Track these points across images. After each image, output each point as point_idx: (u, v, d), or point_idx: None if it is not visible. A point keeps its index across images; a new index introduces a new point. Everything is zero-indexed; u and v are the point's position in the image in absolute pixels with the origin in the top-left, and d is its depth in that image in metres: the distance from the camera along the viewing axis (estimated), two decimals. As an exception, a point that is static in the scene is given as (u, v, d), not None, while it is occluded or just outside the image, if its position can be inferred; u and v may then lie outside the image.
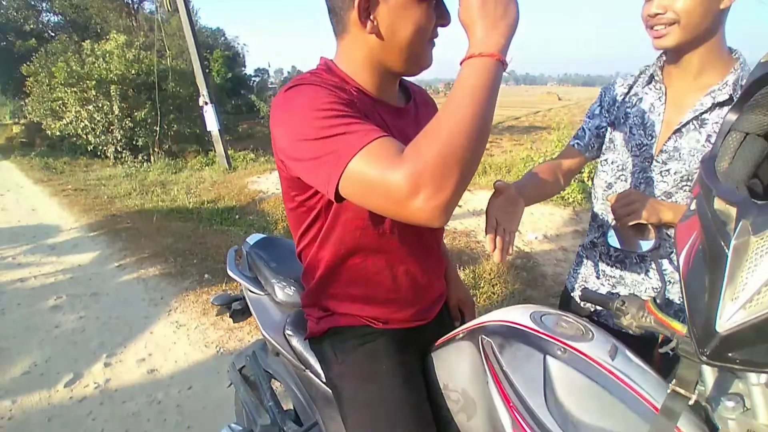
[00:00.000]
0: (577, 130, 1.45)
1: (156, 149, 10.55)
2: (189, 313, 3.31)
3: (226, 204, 6.38)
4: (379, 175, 0.69)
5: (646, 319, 0.86)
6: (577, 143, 1.42)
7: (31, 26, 18.74)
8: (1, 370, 2.69)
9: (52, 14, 20.58)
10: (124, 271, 4.12)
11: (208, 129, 9.26)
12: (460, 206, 5.89)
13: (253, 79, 27.06)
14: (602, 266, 1.43)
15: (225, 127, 9.73)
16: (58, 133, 10.57)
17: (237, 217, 5.75)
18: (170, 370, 2.66)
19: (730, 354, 0.45)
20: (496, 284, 3.55)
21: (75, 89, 9.84)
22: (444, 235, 4.74)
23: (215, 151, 9.47)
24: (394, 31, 0.86)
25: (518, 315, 0.98)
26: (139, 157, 10.35)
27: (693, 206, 0.65)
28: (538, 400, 0.82)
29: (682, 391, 0.66)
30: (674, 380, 0.73)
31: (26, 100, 12.20)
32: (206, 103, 8.87)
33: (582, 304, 1.30)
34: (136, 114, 10.30)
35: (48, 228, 5.53)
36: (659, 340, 0.87)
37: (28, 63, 11.12)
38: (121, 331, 3.10)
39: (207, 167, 9.43)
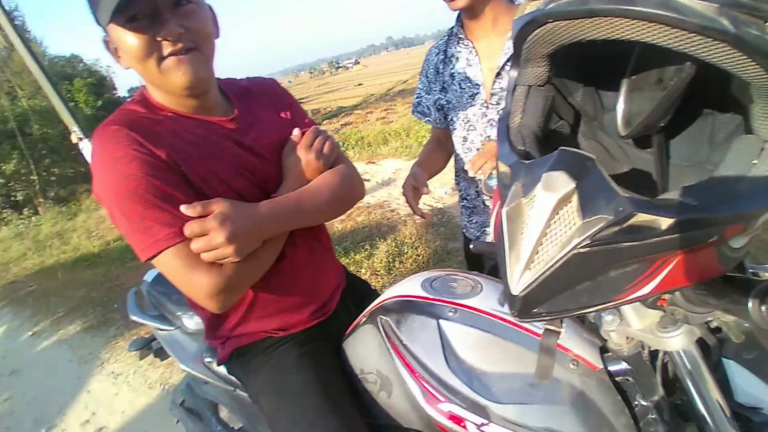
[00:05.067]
0: (419, 105, 1.57)
1: (41, 200, 9.65)
2: (123, 360, 3.14)
3: (135, 236, 6.01)
4: (181, 284, 0.87)
5: None
6: (428, 120, 1.56)
7: None
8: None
9: None
10: (40, 338, 3.81)
11: (90, 164, 8.57)
12: (368, 180, 5.94)
13: (128, 100, 25.12)
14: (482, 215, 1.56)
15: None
16: None
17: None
18: (119, 424, 2.53)
19: (534, 310, 0.49)
20: (419, 246, 3.65)
21: None
22: (356, 211, 4.80)
23: (107, 183, 8.81)
24: (129, 63, 0.88)
25: (410, 286, 1.02)
26: (25, 213, 9.40)
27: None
28: (440, 365, 0.86)
29: (552, 327, 0.72)
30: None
31: None
32: (81, 139, 8.13)
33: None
34: (4, 168, 9.33)
35: (-61, 319, 4.97)
36: None
37: None
38: (55, 401, 2.89)
39: (104, 203, 8.76)
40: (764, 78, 0.39)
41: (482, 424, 0.80)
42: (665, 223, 0.41)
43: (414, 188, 1.36)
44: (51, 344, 3.68)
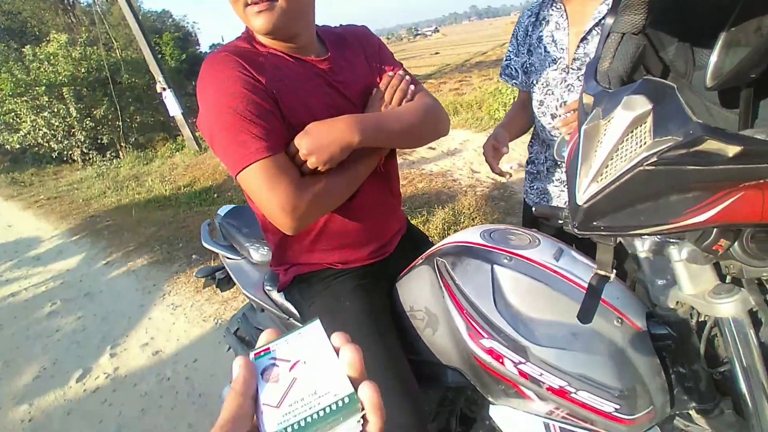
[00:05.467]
0: (507, 68, 1.57)
1: (122, 144, 10.33)
2: (182, 294, 3.38)
3: (203, 185, 6.35)
4: (263, 199, 0.92)
5: None
6: (515, 82, 1.56)
7: (-35, 41, 17.84)
8: (12, 380, 2.75)
9: (-16, 25, 19.55)
10: (112, 267, 4.15)
11: (171, 115, 9.07)
12: (433, 148, 5.93)
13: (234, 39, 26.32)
14: (554, 176, 1.54)
15: (188, 110, 9.50)
16: (18, 146, 10.22)
17: (215, 195, 5.75)
18: (174, 349, 2.75)
19: (594, 223, 0.51)
20: (476, 217, 3.65)
21: (25, 98, 9.45)
22: (418, 177, 4.82)
23: (183, 135, 9.31)
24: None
25: (469, 235, 1.06)
26: (107, 155, 10.13)
27: None
28: (488, 305, 0.90)
29: (602, 272, 0.74)
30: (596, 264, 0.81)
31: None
32: (164, 89, 8.65)
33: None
34: (95, 112, 9.99)
35: (28, 241, 5.48)
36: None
37: (-30, 80, 10.61)
38: (120, 323, 3.17)
39: (177, 153, 9.28)
40: None
41: (519, 362, 0.84)
42: (732, 150, 0.42)
43: (494, 147, 1.40)
44: (120, 273, 4.00)
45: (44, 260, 4.71)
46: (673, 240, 0.78)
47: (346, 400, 0.36)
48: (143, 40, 8.51)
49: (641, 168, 0.45)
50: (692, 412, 0.90)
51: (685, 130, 0.43)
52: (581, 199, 0.50)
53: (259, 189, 0.91)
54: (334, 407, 0.35)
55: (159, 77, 8.58)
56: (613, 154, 0.47)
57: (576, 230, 0.52)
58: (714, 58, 0.54)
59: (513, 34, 1.53)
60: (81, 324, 3.28)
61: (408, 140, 1.12)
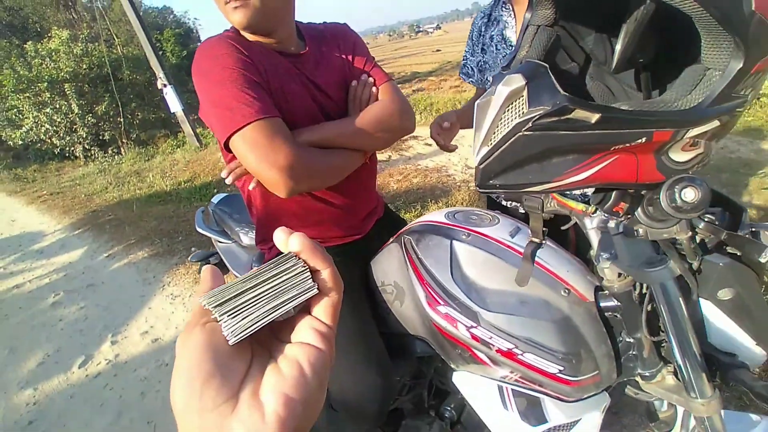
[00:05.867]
0: (465, 67, 1.66)
1: (124, 140, 10.43)
2: (181, 284, 3.48)
3: (203, 180, 6.45)
4: (259, 158, 0.95)
5: (551, 204, 0.97)
6: (471, 80, 1.65)
7: (-33, 38, 17.95)
8: (18, 366, 2.85)
9: (-15, 22, 19.65)
10: (114, 260, 4.25)
11: (171, 111, 9.15)
12: (429, 145, 6.00)
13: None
14: None
15: (189, 106, 9.58)
16: (20, 142, 10.30)
17: (215, 191, 5.83)
18: (172, 336, 2.85)
19: (490, 182, 0.60)
20: (468, 209, 3.72)
21: (27, 94, 9.55)
22: (413, 173, 4.90)
23: (183, 131, 9.40)
24: None
25: (436, 215, 1.14)
26: (109, 152, 10.23)
27: None
28: (446, 275, 0.99)
29: (536, 240, 0.82)
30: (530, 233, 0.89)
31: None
32: (165, 86, 8.72)
33: (507, 203, 1.51)
34: (96, 109, 10.07)
35: (32, 235, 5.59)
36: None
37: (-28, 76, 10.68)
38: (121, 312, 3.27)
39: (178, 149, 9.37)
40: (699, 10, 0.47)
41: (471, 326, 0.92)
42: (594, 117, 0.50)
43: (439, 125, 1.46)
44: (122, 266, 4.10)
45: (47, 253, 4.81)
46: (613, 217, 0.86)
47: (291, 268, 0.35)
48: (144, 36, 8.58)
49: (520, 133, 0.54)
50: (638, 379, 0.98)
51: (553, 101, 0.51)
52: (477, 160, 0.59)
53: (255, 149, 0.95)
54: (285, 285, 0.35)
55: (160, 74, 8.66)
56: (498, 122, 0.56)
57: (478, 189, 0.61)
58: (618, 46, 0.62)
59: (469, 35, 1.63)
60: (83, 313, 3.38)
61: (370, 141, 1.16)
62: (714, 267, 0.80)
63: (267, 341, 0.37)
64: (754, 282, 0.81)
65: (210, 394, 0.31)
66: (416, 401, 1.29)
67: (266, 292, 0.34)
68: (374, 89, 1.19)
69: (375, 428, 1.24)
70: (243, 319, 0.33)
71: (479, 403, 1.00)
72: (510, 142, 0.55)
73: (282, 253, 0.37)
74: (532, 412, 0.93)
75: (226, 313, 0.33)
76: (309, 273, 0.36)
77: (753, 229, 0.77)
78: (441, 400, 1.26)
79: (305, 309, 0.37)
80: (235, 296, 0.33)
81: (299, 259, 0.36)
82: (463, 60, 1.67)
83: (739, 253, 0.79)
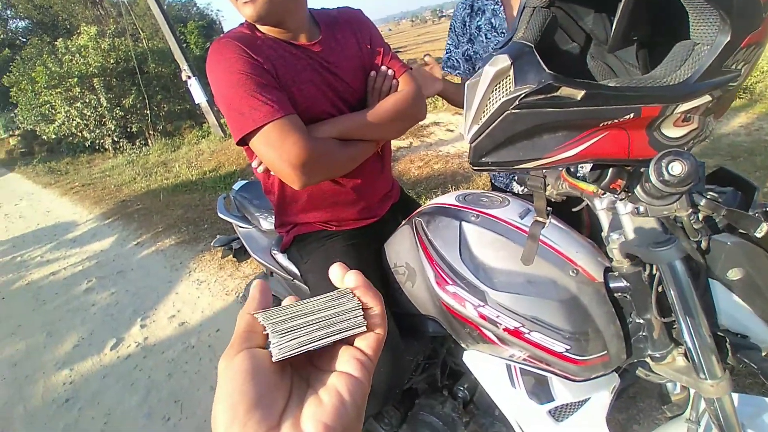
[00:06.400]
0: (449, 60, 1.64)
1: (151, 132, 10.68)
2: (207, 270, 3.57)
3: (227, 170, 6.57)
4: (273, 157, 1.02)
5: (562, 186, 0.96)
6: (458, 73, 1.63)
7: (1, 36, 18.54)
8: (56, 348, 3.00)
9: (18, 20, 20.24)
10: (142, 248, 4.39)
11: (196, 102, 9.31)
12: (451, 131, 5.98)
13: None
14: None
15: (213, 97, 9.71)
16: (54, 136, 10.68)
17: (239, 179, 5.92)
18: (198, 320, 2.94)
19: (484, 159, 0.61)
20: (488, 195, 3.71)
21: (59, 90, 9.85)
22: (434, 159, 4.88)
23: (208, 122, 9.56)
24: None
25: (447, 198, 1.16)
26: (137, 143, 10.51)
27: None
28: (454, 255, 1.00)
29: (541, 219, 0.83)
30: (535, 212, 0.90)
31: (15, 111, 12.22)
32: (189, 77, 8.86)
33: (521, 189, 1.51)
34: (124, 102, 10.33)
35: (66, 225, 5.81)
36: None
37: (7, 74, 11.03)
38: (150, 297, 3.39)
39: (203, 139, 9.54)
40: None
41: (479, 305, 0.94)
42: (579, 94, 0.51)
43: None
44: (150, 253, 4.24)
45: (80, 242, 5.00)
46: (622, 197, 0.86)
47: (345, 302, 0.38)
48: (168, 29, 8.72)
49: (508, 111, 0.55)
50: (649, 360, 0.98)
51: (538, 78, 0.52)
52: (468, 138, 0.60)
53: (270, 147, 1.01)
54: (337, 317, 0.37)
55: (184, 66, 8.80)
56: (486, 101, 0.57)
57: (472, 166, 0.62)
58: (615, 24, 0.62)
59: (450, 27, 1.61)
60: (114, 299, 3.52)
61: (385, 131, 1.21)
62: (722, 246, 0.79)
63: (306, 371, 0.38)
64: (764, 261, 0.80)
65: (253, 423, 0.31)
66: (430, 381, 1.32)
67: (318, 320, 0.35)
68: (394, 81, 1.22)
69: (389, 406, 1.27)
70: (292, 339, 0.34)
71: (488, 382, 1.01)
72: (499, 120, 0.56)
73: (337, 288, 0.40)
74: (540, 390, 0.95)
75: (278, 331, 0.34)
76: (361, 310, 0.37)
77: (766, 209, 0.77)
78: (454, 380, 1.28)
79: (347, 340, 0.38)
80: (288, 318, 0.35)
81: (354, 295, 0.38)
82: (446, 54, 1.65)
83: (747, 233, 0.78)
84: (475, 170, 0.64)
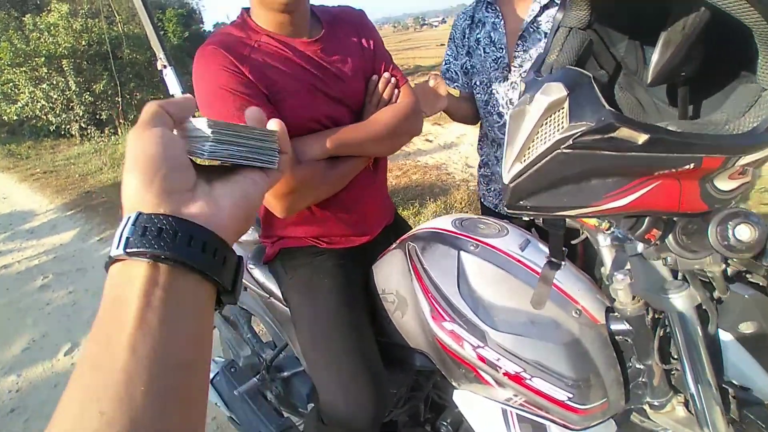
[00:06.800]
0: (447, 71, 1.61)
1: (121, 121, 10.26)
2: (173, 272, 3.42)
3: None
4: None
5: None
6: (456, 85, 1.59)
7: (-36, 9, 17.67)
8: (2, 351, 2.80)
9: (-16, -8, 19.30)
10: (105, 244, 4.19)
11: (170, 93, 9.01)
12: (430, 141, 5.96)
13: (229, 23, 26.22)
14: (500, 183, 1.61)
15: (189, 89, 9.41)
16: (15, 117, 10.10)
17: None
18: (162, 326, 2.80)
19: (521, 203, 0.55)
20: (468, 212, 3.68)
21: (24, 69, 9.36)
22: (412, 169, 4.85)
23: (182, 115, 9.29)
24: None
25: (442, 222, 1.09)
26: (106, 132, 10.07)
27: None
28: (452, 289, 0.94)
29: (555, 260, 0.77)
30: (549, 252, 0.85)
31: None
32: (165, 66, 8.55)
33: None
34: (94, 87, 9.91)
35: (23, 214, 5.51)
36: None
37: (-32, 48, 10.46)
38: (111, 299, 3.21)
39: (176, 132, 9.25)
40: (762, 23, 0.42)
41: (478, 346, 0.88)
42: (641, 138, 0.45)
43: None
44: (114, 250, 4.04)
45: (38, 234, 4.74)
46: (644, 243, 0.81)
47: (268, 140, 0.43)
48: (145, 14, 8.37)
49: (559, 150, 0.49)
50: (647, 408, 0.94)
51: (597, 116, 0.46)
52: (507, 178, 0.53)
53: None
54: (260, 149, 0.42)
55: (160, 54, 8.44)
56: (534, 136, 0.50)
57: (506, 209, 0.56)
58: (655, 56, 0.57)
59: (450, 38, 1.58)
60: (72, 298, 3.33)
61: (380, 146, 1.16)
62: (738, 298, 0.75)
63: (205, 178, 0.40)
64: (779, 316, 0.77)
65: (169, 183, 0.34)
66: (412, 414, 1.25)
67: (246, 144, 0.40)
68: (396, 90, 1.18)
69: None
70: (223, 150, 0.39)
71: (481, 425, 0.95)
72: (546, 159, 0.50)
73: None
74: (537, 438, 0.89)
75: (215, 138, 0.38)
76: (278, 152, 0.44)
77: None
78: (437, 414, 1.22)
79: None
80: (224, 131, 0.39)
81: (276, 138, 0.43)
82: (445, 64, 1.61)
83: (761, 284, 0.75)
84: (509, 213, 0.57)
